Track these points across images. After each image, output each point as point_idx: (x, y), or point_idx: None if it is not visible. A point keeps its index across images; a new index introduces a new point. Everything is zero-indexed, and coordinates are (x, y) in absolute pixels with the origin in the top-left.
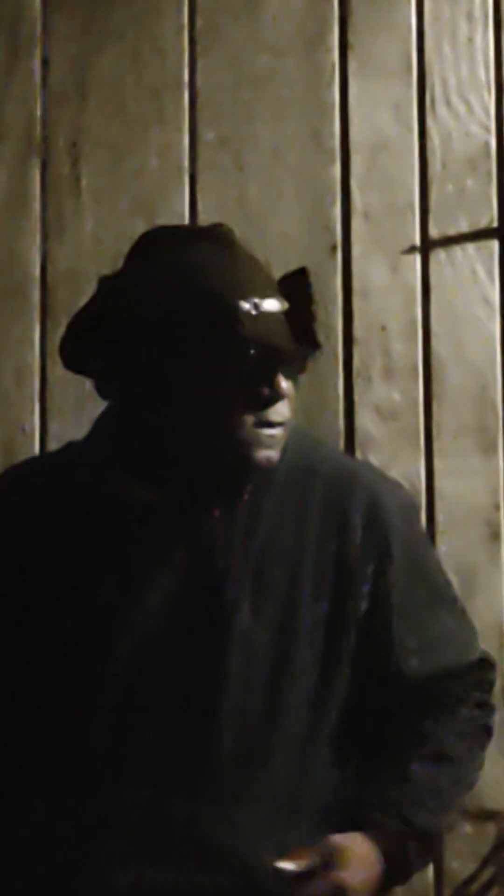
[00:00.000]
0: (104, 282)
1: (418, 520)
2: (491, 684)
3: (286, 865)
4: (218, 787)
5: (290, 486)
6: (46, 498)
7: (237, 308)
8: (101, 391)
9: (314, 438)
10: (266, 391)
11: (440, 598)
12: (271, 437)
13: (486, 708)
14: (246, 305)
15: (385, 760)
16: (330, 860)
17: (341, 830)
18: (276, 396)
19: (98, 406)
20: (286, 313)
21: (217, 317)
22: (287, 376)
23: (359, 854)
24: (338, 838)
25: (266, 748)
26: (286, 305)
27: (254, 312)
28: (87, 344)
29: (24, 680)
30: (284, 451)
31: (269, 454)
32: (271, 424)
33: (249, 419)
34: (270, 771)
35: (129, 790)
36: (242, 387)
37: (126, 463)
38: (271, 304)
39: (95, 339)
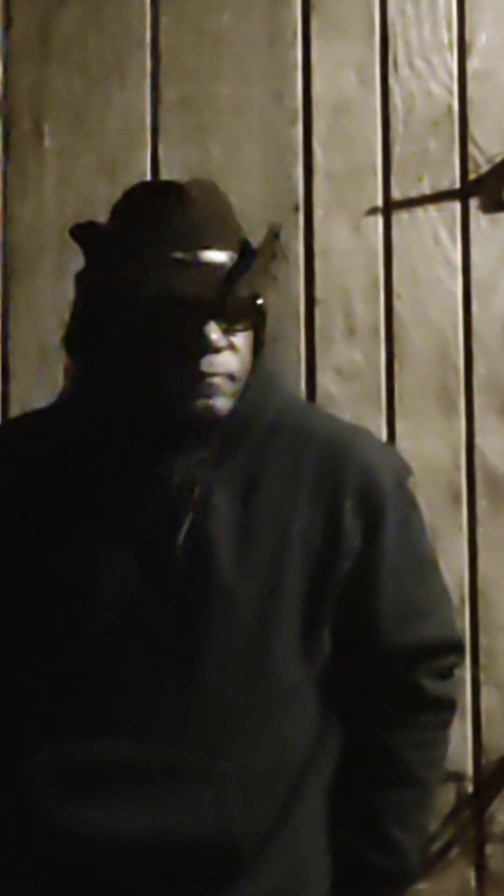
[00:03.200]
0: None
1: (410, 486)
2: (454, 667)
3: None
4: (201, 738)
5: (284, 447)
6: (31, 453)
7: (155, 261)
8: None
9: (308, 403)
10: (193, 343)
11: (429, 567)
12: (210, 386)
13: (450, 709)
14: (171, 257)
15: (354, 783)
16: None
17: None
18: (206, 347)
19: (57, 368)
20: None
21: (140, 271)
22: (230, 328)
23: None
24: None
25: (250, 700)
26: (233, 258)
27: (177, 264)
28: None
29: (6, 629)
30: (279, 413)
31: (210, 403)
32: (209, 375)
33: (188, 370)
34: (253, 724)
35: (111, 740)
36: (171, 339)
37: (91, 418)
38: (208, 256)
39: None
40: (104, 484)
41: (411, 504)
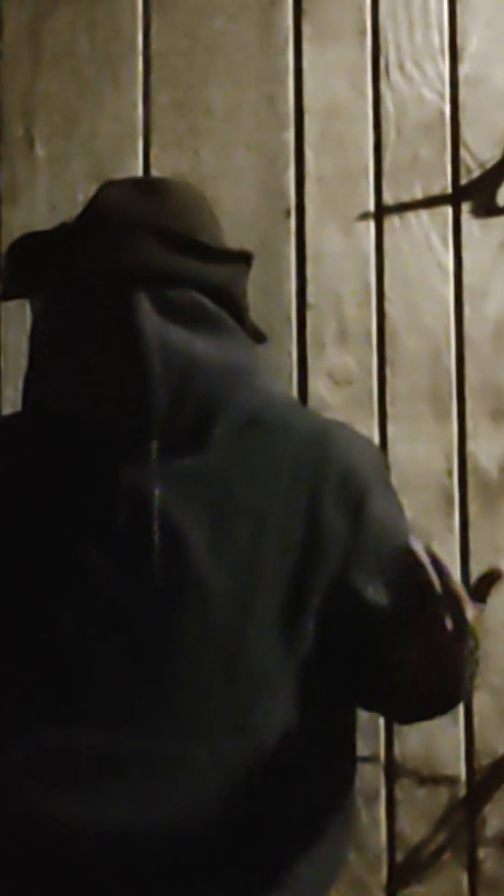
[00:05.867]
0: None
1: (389, 478)
2: None
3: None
4: (177, 727)
5: (261, 441)
6: (10, 453)
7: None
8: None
9: (289, 398)
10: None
11: None
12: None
13: None
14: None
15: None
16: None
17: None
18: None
19: None
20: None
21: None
22: None
23: None
24: None
25: (226, 688)
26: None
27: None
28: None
29: None
30: (259, 407)
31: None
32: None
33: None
34: (230, 712)
35: (88, 730)
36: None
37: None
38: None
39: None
40: (72, 483)
41: (390, 492)
